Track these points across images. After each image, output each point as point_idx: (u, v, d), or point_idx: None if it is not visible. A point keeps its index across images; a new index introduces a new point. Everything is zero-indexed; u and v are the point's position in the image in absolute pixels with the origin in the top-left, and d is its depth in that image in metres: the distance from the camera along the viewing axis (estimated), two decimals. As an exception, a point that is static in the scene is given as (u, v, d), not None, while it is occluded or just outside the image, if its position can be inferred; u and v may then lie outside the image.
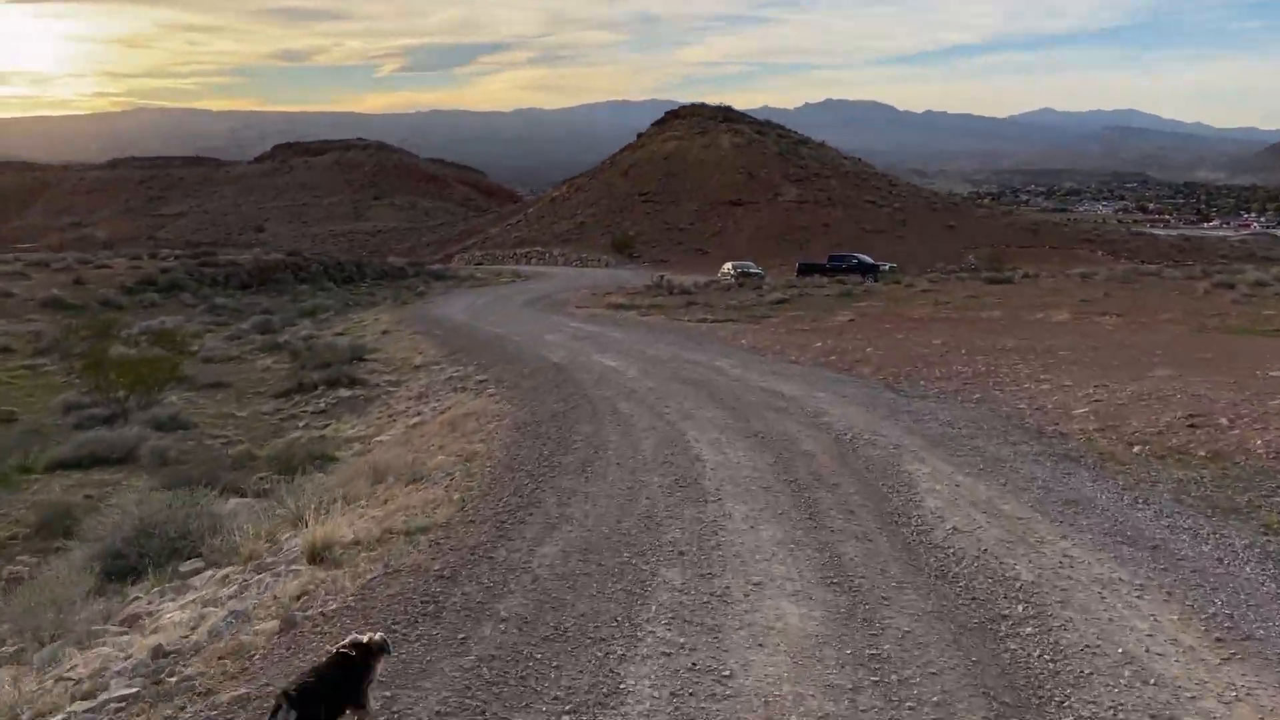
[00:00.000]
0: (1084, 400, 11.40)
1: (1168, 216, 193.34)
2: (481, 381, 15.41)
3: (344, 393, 17.28)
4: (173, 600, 6.98)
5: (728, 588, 6.08)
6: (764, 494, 8.12)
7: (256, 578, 6.91)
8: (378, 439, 12.91)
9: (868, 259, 53.60)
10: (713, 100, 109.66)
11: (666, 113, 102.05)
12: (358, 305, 38.99)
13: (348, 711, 4.29)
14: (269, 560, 7.27)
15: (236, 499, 10.44)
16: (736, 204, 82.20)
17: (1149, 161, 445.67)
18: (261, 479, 11.55)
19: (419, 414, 14.07)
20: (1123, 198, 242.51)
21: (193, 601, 6.77)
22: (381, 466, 9.59)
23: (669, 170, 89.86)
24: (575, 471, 8.96)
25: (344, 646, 4.40)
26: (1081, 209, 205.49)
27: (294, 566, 6.86)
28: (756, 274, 50.64)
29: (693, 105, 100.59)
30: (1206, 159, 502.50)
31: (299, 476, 10.32)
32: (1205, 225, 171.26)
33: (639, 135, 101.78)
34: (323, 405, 16.70)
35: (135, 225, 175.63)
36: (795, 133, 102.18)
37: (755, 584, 6.13)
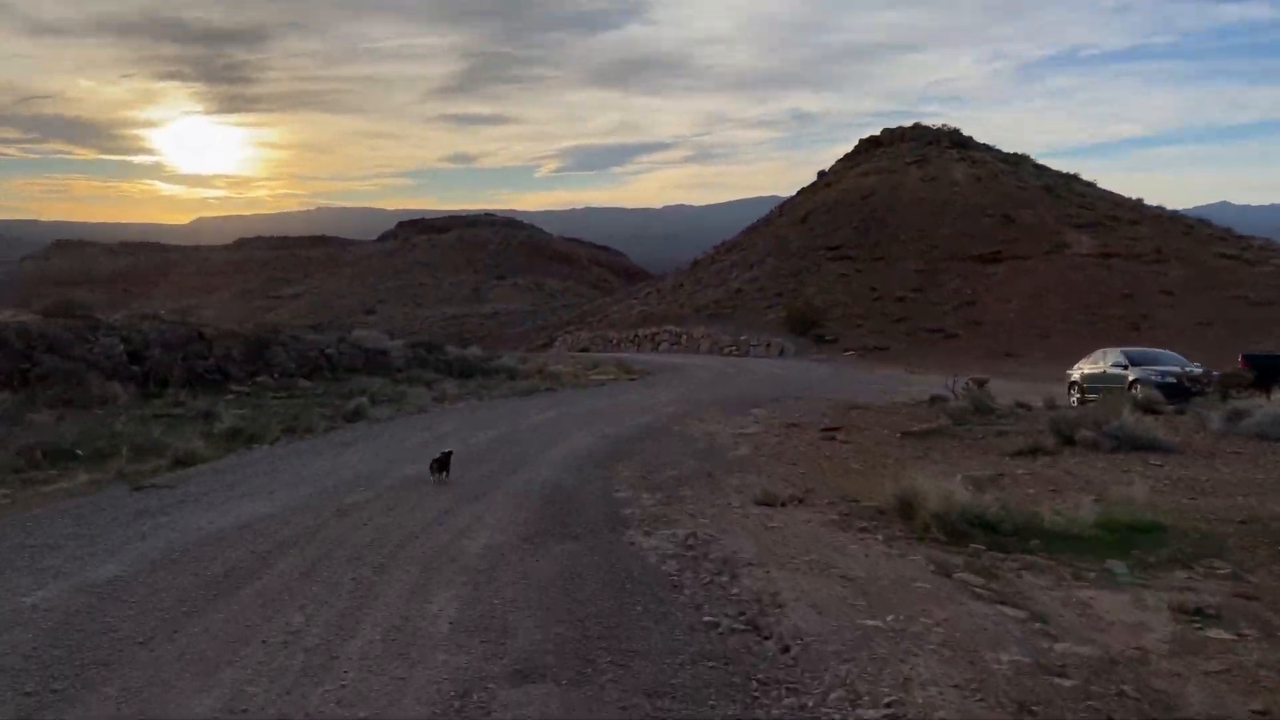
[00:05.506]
0: None
1: None
2: None
3: None
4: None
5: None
6: None
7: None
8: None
9: None
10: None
11: (861, 140, 71.35)
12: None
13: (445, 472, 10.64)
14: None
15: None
16: (991, 259, 50.53)
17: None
18: None
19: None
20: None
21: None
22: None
23: (871, 214, 59.22)
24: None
25: (445, 450, 10.98)
26: None
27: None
28: (1197, 378, 19.64)
29: (903, 129, 69.53)
30: None
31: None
32: None
33: (821, 173, 71.61)
34: None
35: (248, 308, 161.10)
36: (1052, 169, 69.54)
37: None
